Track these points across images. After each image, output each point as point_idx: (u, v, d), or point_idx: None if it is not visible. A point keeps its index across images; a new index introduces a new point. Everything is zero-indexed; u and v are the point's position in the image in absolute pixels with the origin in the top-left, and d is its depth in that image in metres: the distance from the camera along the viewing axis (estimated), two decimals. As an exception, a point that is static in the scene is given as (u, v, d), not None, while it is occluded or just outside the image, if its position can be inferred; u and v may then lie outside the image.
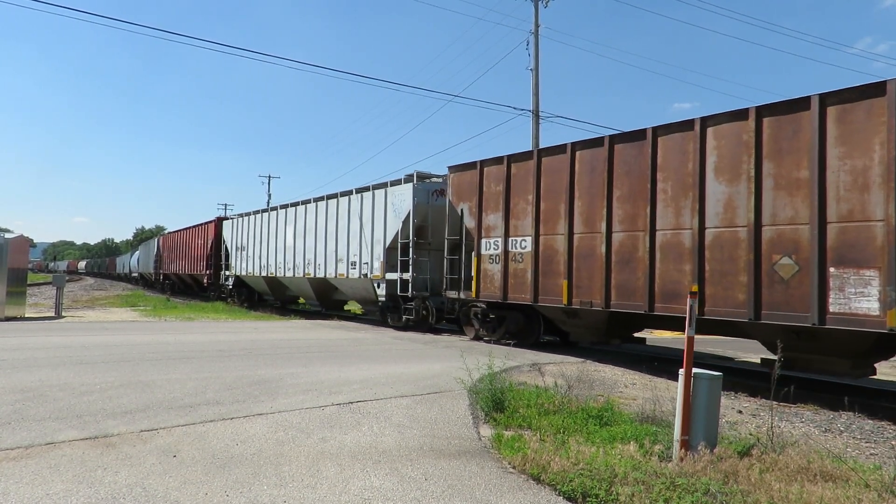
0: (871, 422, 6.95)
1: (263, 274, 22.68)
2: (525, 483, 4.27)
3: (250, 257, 23.95)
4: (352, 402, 6.51)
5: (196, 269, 30.14)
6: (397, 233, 15.55)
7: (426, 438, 5.29)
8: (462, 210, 13.33)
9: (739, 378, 9.41)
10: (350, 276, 17.41)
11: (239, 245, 25.21)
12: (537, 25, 23.87)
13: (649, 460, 4.54)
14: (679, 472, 4.23)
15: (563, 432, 5.40)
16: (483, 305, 13.11)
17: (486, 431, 5.64)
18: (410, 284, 15.18)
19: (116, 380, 7.47)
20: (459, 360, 8.34)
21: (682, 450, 4.59)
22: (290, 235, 20.84)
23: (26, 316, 17.85)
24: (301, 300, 25.14)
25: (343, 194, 18.35)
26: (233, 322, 18.38)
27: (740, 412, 7.28)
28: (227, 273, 26.56)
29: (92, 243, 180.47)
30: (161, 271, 39.30)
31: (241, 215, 25.50)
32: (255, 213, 24.11)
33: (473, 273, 12.81)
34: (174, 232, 36.76)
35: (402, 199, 15.52)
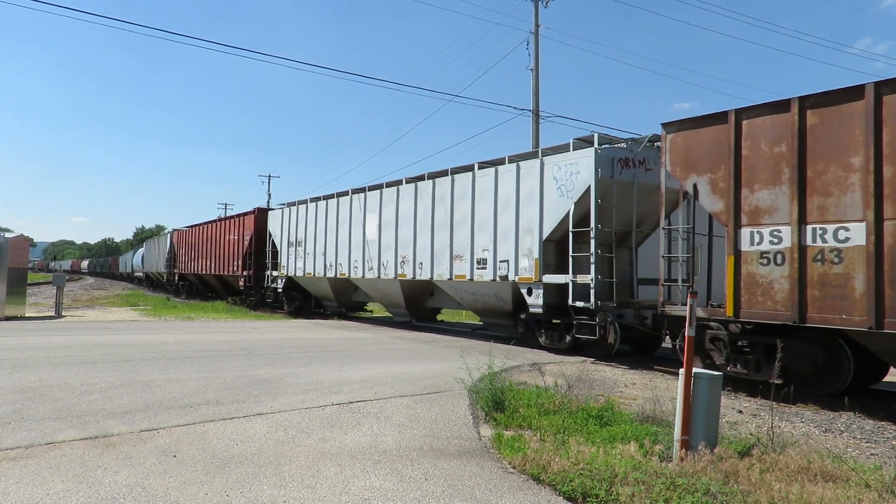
0: (871, 422, 6.94)
1: (329, 275, 18.60)
2: (525, 483, 4.27)
3: (309, 254, 19.68)
4: (352, 402, 6.51)
5: (227, 270, 25.60)
6: (565, 217, 11.36)
7: (426, 438, 5.29)
8: (694, 186, 9.03)
9: (739, 378, 9.39)
10: (477, 277, 13.11)
11: (292, 240, 20.85)
12: (537, 25, 23.86)
13: (649, 460, 4.54)
14: (679, 472, 4.23)
15: (564, 432, 5.40)
16: (723, 328, 8.89)
17: (487, 431, 5.64)
18: (593, 291, 10.73)
19: (116, 379, 7.47)
20: (459, 360, 8.34)
21: (683, 450, 4.59)
22: (373, 227, 16.65)
23: (26, 315, 17.86)
24: (368, 306, 21.65)
25: (459, 170, 14.10)
26: (233, 322, 18.39)
27: (740, 412, 7.28)
28: (275, 274, 22.11)
29: (92, 243, 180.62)
30: (175, 271, 34.58)
31: (293, 203, 21.20)
32: (316, 199, 19.81)
33: (728, 280, 8.60)
34: (194, 226, 31.64)
35: (574, 171, 11.22)
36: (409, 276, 15.28)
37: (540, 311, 11.87)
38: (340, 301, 19.95)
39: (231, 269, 25.21)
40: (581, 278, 11.09)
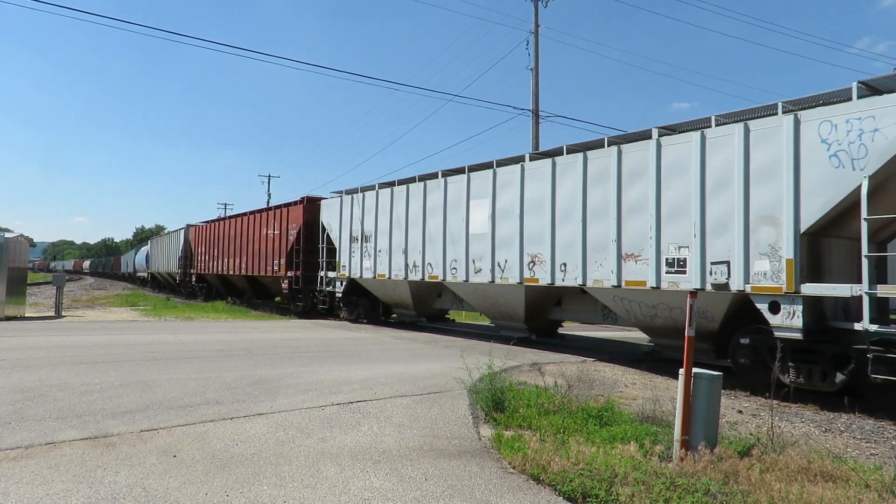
0: (871, 422, 6.95)
1: (413, 277, 14.87)
2: (525, 483, 4.27)
3: (381, 252, 16.02)
4: (352, 402, 6.51)
5: (264, 270, 22.05)
6: (848, 198, 7.70)
7: (426, 438, 5.29)
8: None
9: (740, 378, 9.39)
10: (667, 285, 9.46)
11: (356, 234, 17.17)
12: (537, 25, 23.87)
13: (649, 460, 4.54)
14: (679, 472, 4.23)
15: (564, 432, 5.40)
16: None
17: (487, 431, 5.64)
18: None
19: (116, 379, 7.48)
20: (459, 360, 8.34)
21: (683, 450, 4.59)
22: (482, 217, 12.96)
23: (26, 315, 17.86)
24: (450, 315, 18.22)
25: (626, 139, 10.58)
26: (233, 322, 18.38)
27: (740, 412, 7.28)
28: (332, 275, 18.54)
29: (92, 243, 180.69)
30: (192, 271, 31.07)
31: (355, 190, 17.49)
32: (389, 185, 16.16)
33: None
34: (217, 220, 28.20)
35: (868, 129, 7.54)
36: (545, 281, 11.45)
37: (798, 335, 7.99)
38: (420, 309, 16.40)
39: (270, 269, 21.56)
40: (885, 290, 7.34)
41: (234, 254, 25.14)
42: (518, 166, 12.26)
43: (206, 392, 6.86)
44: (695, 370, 4.79)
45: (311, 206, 19.93)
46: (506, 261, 12.42)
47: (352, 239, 17.40)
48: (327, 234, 18.75)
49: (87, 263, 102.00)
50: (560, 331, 14.57)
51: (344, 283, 17.95)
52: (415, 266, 14.89)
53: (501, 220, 12.59)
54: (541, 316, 13.14)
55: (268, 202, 60.93)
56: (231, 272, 25.52)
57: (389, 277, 15.79)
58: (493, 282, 12.70)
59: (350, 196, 17.57)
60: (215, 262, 27.49)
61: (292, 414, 5.95)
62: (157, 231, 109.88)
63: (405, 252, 15.20)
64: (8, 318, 16.38)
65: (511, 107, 55.60)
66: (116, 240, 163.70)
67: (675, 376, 6.37)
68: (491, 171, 12.91)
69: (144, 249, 47.53)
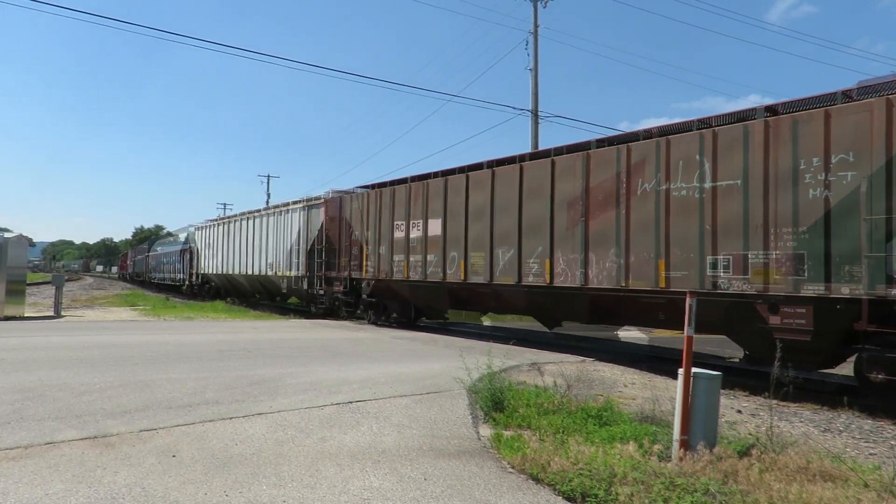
0: (870, 421, 6.95)
1: None
2: (524, 483, 4.27)
3: None
4: (351, 402, 6.51)
5: (651, 276, 9.52)
6: None
7: (425, 438, 5.29)
8: None
9: (739, 377, 9.41)
10: None
11: None
12: (536, 26, 23.88)
13: (648, 460, 4.54)
14: (678, 471, 4.23)
15: (563, 432, 5.40)
16: None
17: (486, 431, 5.64)
18: None
19: (116, 379, 7.47)
20: (459, 360, 8.33)
21: (682, 449, 4.59)
22: None
23: (25, 315, 17.84)
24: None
25: None
26: (232, 322, 18.37)
27: (740, 412, 7.28)
28: None
29: (91, 243, 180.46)
30: (366, 277, 16.79)
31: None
32: None
33: None
34: (439, 176, 14.60)
35: None
36: None
37: None
38: None
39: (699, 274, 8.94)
40: None
41: (515, 238, 12.21)
42: None
43: (206, 392, 6.86)
44: (694, 370, 4.79)
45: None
46: None
47: None
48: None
49: (93, 263, 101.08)
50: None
51: None
52: None
53: None
54: None
55: (267, 202, 59.74)
56: (486, 279, 12.79)
57: None
58: None
59: None
60: (449, 265, 13.93)
61: (292, 414, 5.95)
62: (157, 231, 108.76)
63: None
64: (7, 318, 16.38)
65: (510, 107, 55.52)
66: (116, 240, 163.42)
67: (674, 376, 6.37)
68: None
69: (178, 243, 35.13)
